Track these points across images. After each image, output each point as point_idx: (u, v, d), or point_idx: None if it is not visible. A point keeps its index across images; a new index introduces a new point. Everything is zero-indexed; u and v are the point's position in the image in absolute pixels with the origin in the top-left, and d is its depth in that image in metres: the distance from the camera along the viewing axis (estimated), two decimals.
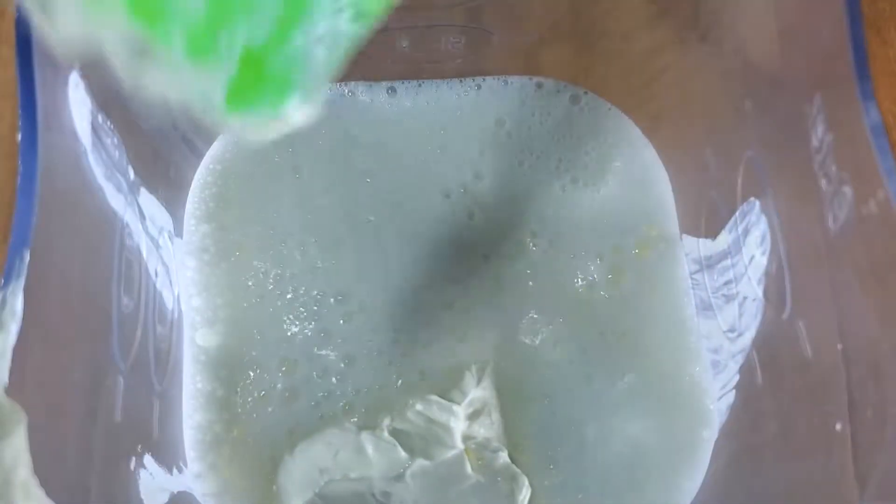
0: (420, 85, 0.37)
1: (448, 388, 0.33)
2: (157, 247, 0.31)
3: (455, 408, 0.32)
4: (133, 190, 0.29)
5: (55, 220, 0.23)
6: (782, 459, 0.28)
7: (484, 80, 0.37)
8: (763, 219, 0.29)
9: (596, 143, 0.37)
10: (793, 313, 0.28)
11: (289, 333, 0.34)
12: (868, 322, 0.23)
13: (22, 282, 0.21)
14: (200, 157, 0.36)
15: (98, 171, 0.26)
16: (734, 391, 0.32)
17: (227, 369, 0.34)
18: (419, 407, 0.33)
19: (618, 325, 0.34)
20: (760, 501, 0.29)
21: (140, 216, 0.30)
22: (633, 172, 0.36)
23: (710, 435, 0.33)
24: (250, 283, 0.35)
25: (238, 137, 0.36)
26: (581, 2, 0.34)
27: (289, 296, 0.35)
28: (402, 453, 0.32)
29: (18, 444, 0.20)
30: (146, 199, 0.31)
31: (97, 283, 0.26)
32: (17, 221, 0.21)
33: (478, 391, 0.33)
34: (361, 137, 0.37)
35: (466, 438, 0.32)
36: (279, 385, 0.34)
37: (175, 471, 0.31)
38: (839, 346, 0.24)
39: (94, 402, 0.26)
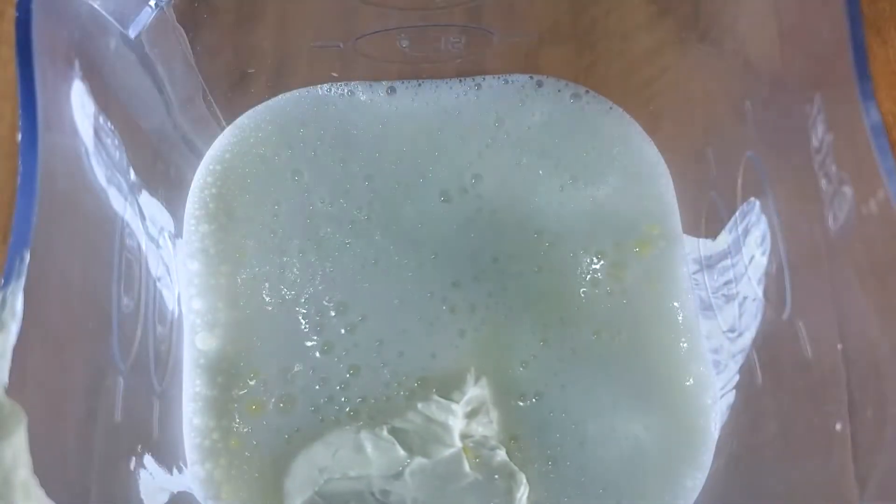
0: (420, 85, 0.37)
1: (448, 388, 0.33)
2: (158, 247, 0.31)
3: (453, 406, 0.32)
4: (133, 190, 0.29)
5: (55, 220, 0.23)
6: (782, 459, 0.28)
7: (484, 79, 0.37)
8: (763, 219, 0.29)
9: (597, 142, 0.37)
10: (793, 313, 0.28)
11: (289, 340, 0.34)
12: (868, 322, 0.23)
13: (22, 282, 0.21)
14: (200, 157, 0.36)
15: (98, 172, 0.26)
16: (734, 391, 0.32)
17: (226, 375, 0.33)
18: (418, 406, 0.33)
19: (618, 324, 0.34)
20: (760, 501, 0.29)
21: (140, 216, 0.30)
22: (634, 171, 0.36)
23: (710, 435, 0.33)
24: (251, 287, 0.35)
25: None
26: (581, 2, 0.34)
27: (290, 301, 0.34)
28: (401, 452, 0.32)
29: (18, 444, 0.20)
30: (146, 199, 0.31)
31: (97, 283, 0.26)
32: (17, 221, 0.21)
33: (476, 390, 0.33)
34: (361, 137, 0.37)
35: (464, 437, 0.32)
36: (278, 393, 0.33)
37: (175, 471, 0.31)
38: (839, 346, 0.24)
39: (94, 402, 0.26)
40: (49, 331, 0.23)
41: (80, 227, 0.25)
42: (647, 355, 0.34)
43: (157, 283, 0.31)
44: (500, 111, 0.37)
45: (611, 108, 0.37)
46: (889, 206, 0.21)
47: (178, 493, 0.31)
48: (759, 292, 0.30)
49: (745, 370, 0.31)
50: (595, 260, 0.35)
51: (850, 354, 0.24)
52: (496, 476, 0.32)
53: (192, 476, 0.32)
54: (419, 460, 0.32)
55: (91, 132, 0.26)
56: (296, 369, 0.34)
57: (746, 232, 0.31)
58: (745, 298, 0.31)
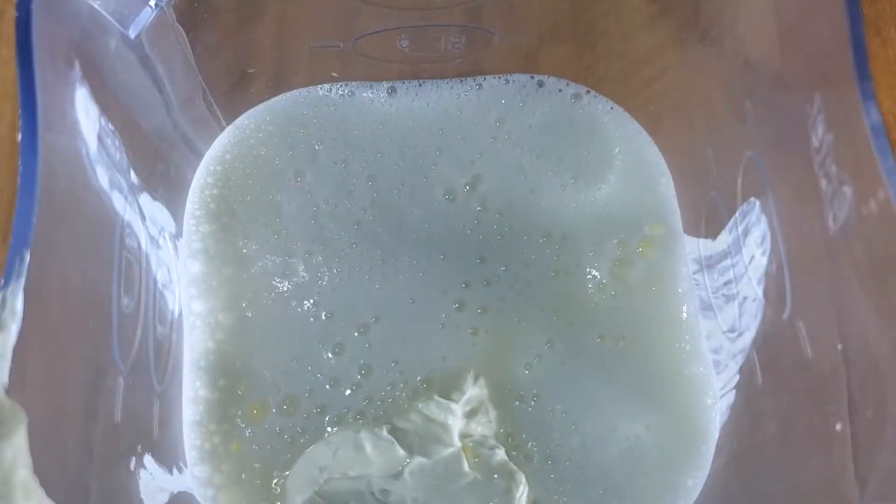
0: (420, 85, 0.37)
1: (448, 389, 0.33)
2: (158, 247, 0.31)
3: (453, 406, 0.32)
4: (133, 190, 0.29)
5: (55, 220, 0.23)
6: (782, 459, 0.28)
7: (485, 79, 0.37)
8: (763, 219, 0.29)
9: (597, 142, 0.37)
10: (793, 313, 0.28)
11: (296, 343, 0.34)
12: (868, 322, 0.23)
13: (22, 282, 0.21)
14: (200, 157, 0.36)
15: (98, 172, 0.26)
16: (734, 391, 0.32)
17: (227, 378, 0.33)
18: (418, 405, 0.33)
19: (621, 324, 0.34)
20: (760, 501, 0.29)
21: (140, 216, 0.30)
22: (635, 171, 0.36)
23: (710, 435, 0.33)
24: (253, 288, 0.34)
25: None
26: (581, 2, 0.34)
27: (296, 302, 0.34)
28: (401, 451, 0.32)
29: (19, 444, 0.20)
30: (146, 199, 0.31)
31: (97, 283, 0.26)
32: (17, 221, 0.21)
33: (475, 389, 0.33)
34: (362, 137, 0.37)
35: (464, 436, 0.32)
36: (282, 396, 0.33)
37: (175, 471, 0.31)
38: (839, 346, 0.24)
39: (94, 402, 0.26)
40: (49, 331, 0.23)
41: (80, 227, 0.25)
42: (647, 355, 0.34)
43: (157, 284, 0.31)
44: (500, 111, 0.37)
45: (612, 108, 0.37)
46: (889, 206, 0.21)
47: (178, 493, 0.31)
48: (759, 292, 0.30)
49: (745, 370, 0.31)
50: (601, 262, 0.35)
51: (850, 354, 0.24)
52: (495, 475, 0.32)
53: (192, 477, 0.32)
54: (419, 460, 0.32)
55: (91, 132, 0.26)
56: (302, 372, 0.33)
57: (746, 232, 0.31)
58: (745, 298, 0.31)
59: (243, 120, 0.37)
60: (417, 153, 0.36)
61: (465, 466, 0.32)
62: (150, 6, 0.28)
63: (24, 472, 0.20)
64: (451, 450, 0.32)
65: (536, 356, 0.34)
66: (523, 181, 0.36)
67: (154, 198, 0.31)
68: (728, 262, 0.32)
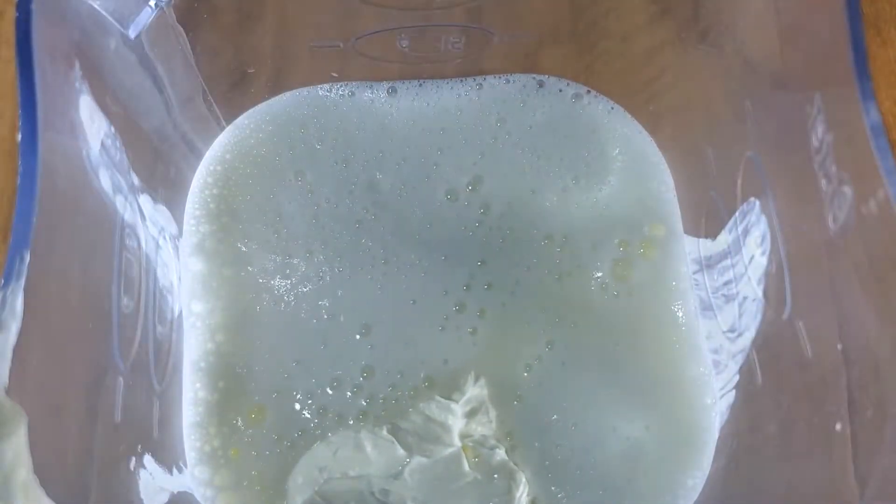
0: (421, 85, 0.37)
1: (449, 389, 0.33)
2: (158, 247, 0.31)
3: (453, 406, 0.32)
4: (133, 190, 0.29)
5: (55, 220, 0.23)
6: (782, 459, 0.28)
7: (485, 79, 0.37)
8: (763, 219, 0.29)
9: (598, 142, 0.37)
10: (793, 313, 0.28)
11: (297, 343, 0.34)
12: (868, 322, 0.23)
13: (22, 282, 0.21)
14: (200, 157, 0.36)
15: (98, 172, 0.26)
16: (734, 391, 0.32)
17: (227, 380, 0.33)
18: (418, 405, 0.33)
19: (622, 325, 0.34)
20: (760, 501, 0.29)
21: (140, 216, 0.30)
22: (636, 171, 0.36)
23: (710, 435, 0.33)
24: (254, 289, 0.34)
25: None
26: (581, 2, 0.34)
27: (297, 302, 0.34)
28: (401, 451, 0.32)
29: (19, 444, 0.20)
30: (146, 199, 0.31)
31: (97, 283, 0.26)
32: (17, 221, 0.21)
33: (475, 389, 0.33)
34: (363, 137, 0.37)
35: (464, 436, 0.32)
36: (283, 398, 0.33)
37: (175, 471, 0.31)
38: (839, 346, 0.24)
39: (94, 402, 0.26)
40: (49, 331, 0.23)
41: (80, 227, 0.25)
42: (647, 355, 0.34)
43: (157, 283, 0.31)
44: (501, 111, 0.37)
45: (612, 108, 0.37)
46: (889, 206, 0.21)
47: (178, 493, 0.31)
48: (759, 292, 0.30)
49: (745, 370, 0.31)
50: (603, 262, 0.35)
51: (850, 354, 0.24)
52: (495, 475, 0.32)
53: (192, 477, 0.32)
54: (419, 460, 0.32)
55: (91, 132, 0.26)
56: (303, 373, 0.33)
57: (746, 232, 0.31)
58: (745, 298, 0.31)
59: (243, 120, 0.37)
60: (418, 153, 0.36)
61: (465, 466, 0.32)
62: (150, 6, 0.28)
63: (24, 472, 0.20)
64: (451, 450, 0.32)
65: (537, 357, 0.34)
66: (524, 181, 0.36)
67: (154, 198, 0.31)
68: (728, 262, 0.32)
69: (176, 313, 0.33)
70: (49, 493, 0.21)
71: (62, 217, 0.24)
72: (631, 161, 0.37)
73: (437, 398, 0.33)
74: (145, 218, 0.30)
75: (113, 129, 0.28)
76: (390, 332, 0.34)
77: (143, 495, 0.28)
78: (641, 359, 0.34)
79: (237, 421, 0.33)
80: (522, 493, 0.32)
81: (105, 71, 0.27)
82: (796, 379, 0.27)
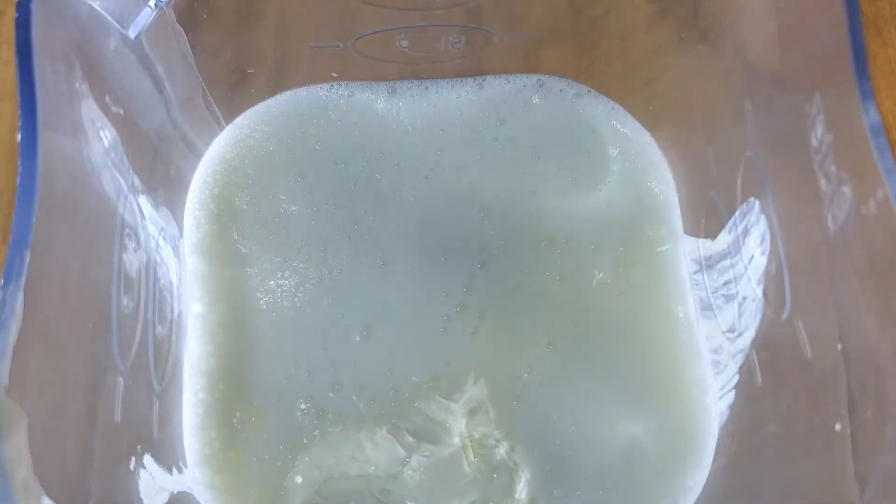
0: (421, 85, 0.37)
1: (449, 389, 0.33)
2: (158, 247, 0.31)
3: (453, 405, 0.32)
4: (133, 190, 0.29)
5: (55, 220, 0.23)
6: (782, 459, 0.28)
7: (485, 79, 0.37)
8: (763, 219, 0.29)
9: (598, 142, 0.37)
10: (792, 313, 0.28)
11: (297, 345, 0.34)
12: (868, 322, 0.23)
13: (22, 282, 0.21)
14: (200, 157, 0.36)
15: (98, 172, 0.26)
16: (734, 391, 0.32)
17: (228, 382, 0.33)
18: (418, 405, 0.33)
19: (623, 325, 0.34)
20: (760, 501, 0.29)
21: (140, 216, 0.30)
22: (636, 171, 0.36)
23: (710, 435, 0.33)
24: (254, 289, 0.34)
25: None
26: (581, 2, 0.34)
27: (297, 304, 0.34)
28: (401, 451, 0.32)
29: (18, 444, 0.20)
30: (146, 199, 0.31)
31: (97, 283, 0.26)
32: (17, 221, 0.21)
33: (475, 389, 0.33)
34: (362, 138, 0.37)
35: (464, 436, 0.32)
36: (283, 401, 0.33)
37: (175, 471, 0.31)
38: (839, 346, 0.24)
39: (94, 402, 0.26)
40: (49, 331, 0.23)
41: (80, 227, 0.25)
42: (646, 355, 0.34)
43: (157, 284, 0.31)
44: (501, 111, 0.37)
45: (612, 108, 0.37)
46: (889, 206, 0.21)
47: (178, 493, 0.31)
48: (759, 292, 0.30)
49: (745, 370, 0.31)
50: (603, 263, 0.35)
51: (850, 354, 0.24)
52: (495, 475, 0.32)
53: (192, 478, 0.32)
54: (419, 459, 0.32)
55: (91, 132, 0.26)
56: (303, 375, 0.33)
57: (746, 232, 0.31)
58: (744, 298, 0.31)
59: (243, 120, 0.37)
60: (419, 154, 0.36)
61: (465, 466, 0.32)
62: (150, 6, 0.29)
63: (24, 472, 0.20)
64: (451, 449, 0.32)
65: (537, 357, 0.34)
66: (524, 182, 0.36)
67: (154, 198, 0.31)
68: (728, 262, 0.32)
69: (176, 313, 0.33)
70: (49, 493, 0.21)
71: (62, 217, 0.24)
72: (631, 161, 0.37)
73: (437, 398, 0.33)
74: (145, 218, 0.30)
75: (113, 128, 0.28)
76: (391, 333, 0.34)
77: (143, 495, 0.28)
78: (641, 359, 0.34)
79: (237, 424, 0.33)
80: (522, 493, 0.32)
81: (105, 71, 0.27)
82: (796, 379, 0.27)
